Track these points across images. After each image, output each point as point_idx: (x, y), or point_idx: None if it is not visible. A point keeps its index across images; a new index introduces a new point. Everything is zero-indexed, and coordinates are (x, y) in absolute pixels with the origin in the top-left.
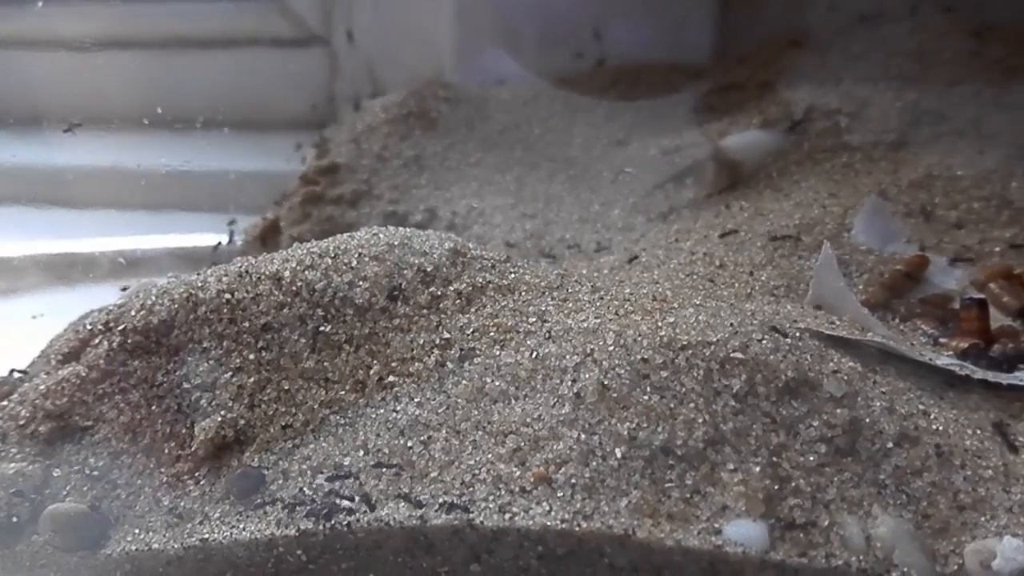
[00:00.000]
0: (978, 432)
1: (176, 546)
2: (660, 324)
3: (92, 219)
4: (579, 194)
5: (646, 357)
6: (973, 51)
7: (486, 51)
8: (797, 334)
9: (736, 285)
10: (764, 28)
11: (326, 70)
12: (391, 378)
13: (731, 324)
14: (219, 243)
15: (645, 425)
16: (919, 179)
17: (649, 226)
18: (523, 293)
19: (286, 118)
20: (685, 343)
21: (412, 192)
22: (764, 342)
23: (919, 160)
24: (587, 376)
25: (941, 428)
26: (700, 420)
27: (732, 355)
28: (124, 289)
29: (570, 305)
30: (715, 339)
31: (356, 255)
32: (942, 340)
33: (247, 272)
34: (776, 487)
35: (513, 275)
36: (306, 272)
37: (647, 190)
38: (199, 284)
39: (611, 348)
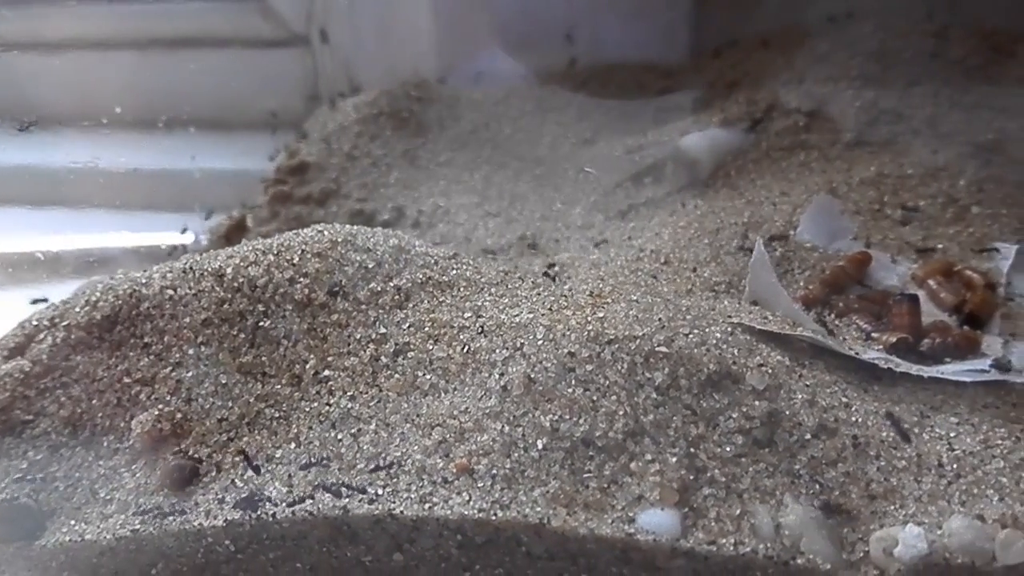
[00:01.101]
0: (896, 424)
1: (108, 537)
2: (590, 319)
3: (62, 217)
4: (543, 192)
5: (573, 351)
6: (933, 52)
7: (482, 50)
8: (728, 328)
9: (678, 281)
10: (741, 28)
11: (306, 70)
12: (326, 372)
13: (659, 319)
14: (175, 246)
15: (568, 417)
16: (870, 177)
17: (607, 224)
18: (462, 289)
19: (266, 118)
20: (612, 337)
21: (380, 191)
22: (690, 336)
23: (873, 159)
24: (514, 369)
25: (860, 420)
26: (621, 412)
27: (657, 349)
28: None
29: (506, 301)
30: (641, 333)
31: (299, 252)
32: (874, 335)
33: (191, 269)
34: (692, 477)
35: (454, 271)
36: (248, 268)
37: (608, 189)
38: (143, 281)
39: (540, 342)
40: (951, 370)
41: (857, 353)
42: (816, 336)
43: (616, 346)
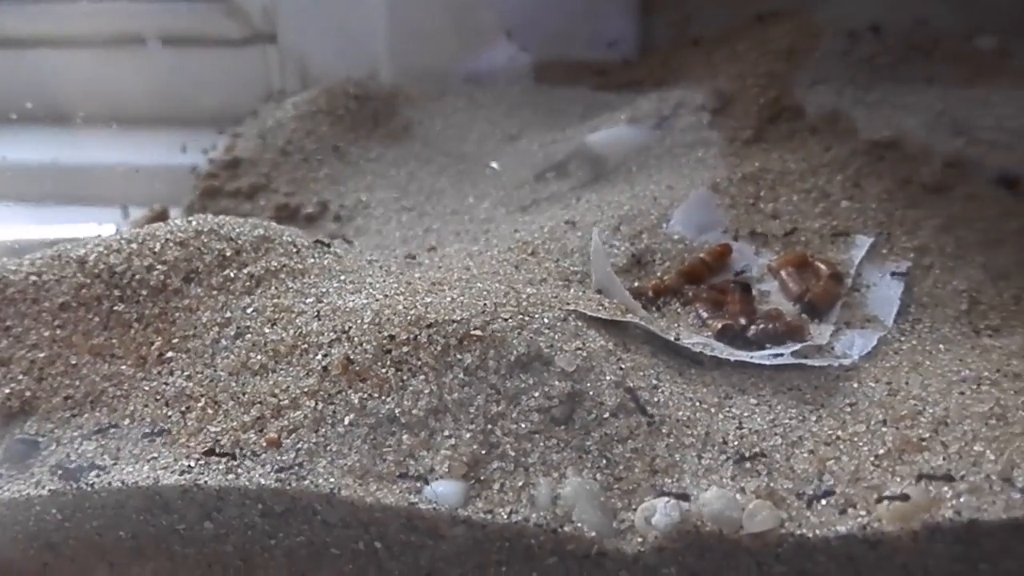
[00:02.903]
0: (697, 404)
1: None
2: (416, 304)
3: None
4: (461, 188)
5: (393, 334)
6: (843, 50)
7: (492, 41)
8: (562, 315)
9: (536, 271)
10: (690, 27)
11: (266, 69)
12: (170, 354)
13: (484, 304)
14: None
15: (376, 395)
16: (752, 173)
17: (506, 218)
18: (313, 276)
19: (229, 115)
20: (432, 321)
21: (309, 186)
22: (509, 321)
23: (765, 155)
24: (337, 351)
25: (662, 400)
26: (427, 391)
27: (472, 332)
28: None
29: (350, 287)
30: (459, 317)
31: (162, 241)
32: (709, 322)
33: (59, 256)
34: (484, 452)
35: (312, 260)
36: (110, 256)
37: (518, 184)
38: (12, 268)
39: (366, 325)
40: (759, 355)
41: (677, 338)
42: (643, 322)
43: (433, 329)
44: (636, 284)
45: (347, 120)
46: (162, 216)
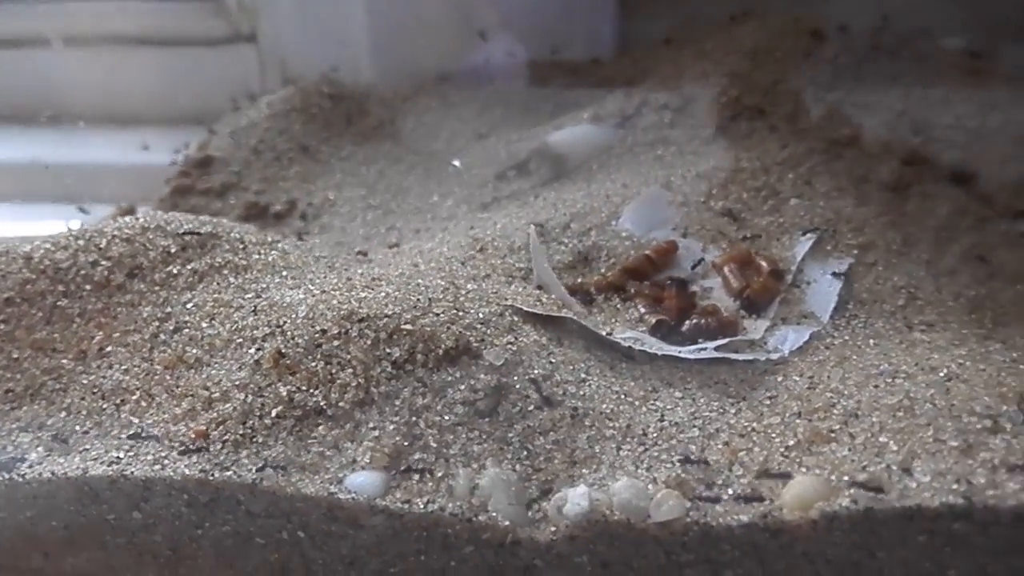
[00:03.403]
0: (623, 397)
1: None
2: (351, 299)
3: None
4: (427, 185)
5: (325, 328)
6: (807, 50)
7: (493, 39)
8: (499, 310)
9: (482, 267)
10: (667, 26)
11: (247, 68)
12: (110, 348)
13: (417, 299)
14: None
15: (305, 388)
16: (706, 171)
17: (468, 216)
18: (256, 272)
19: (208, 114)
20: (364, 315)
21: (279, 184)
22: (441, 315)
23: (723, 154)
24: (270, 345)
25: (588, 394)
26: (354, 384)
27: (402, 326)
28: None
29: (291, 283)
30: (391, 312)
31: (108, 237)
32: (646, 317)
33: (6, 252)
34: (406, 443)
35: (257, 256)
36: (56, 253)
37: (480, 182)
38: None
39: (300, 320)
40: (686, 350)
41: (610, 333)
42: (577, 317)
43: (365, 324)
44: (580, 280)
45: (320, 119)
46: (128, 214)
